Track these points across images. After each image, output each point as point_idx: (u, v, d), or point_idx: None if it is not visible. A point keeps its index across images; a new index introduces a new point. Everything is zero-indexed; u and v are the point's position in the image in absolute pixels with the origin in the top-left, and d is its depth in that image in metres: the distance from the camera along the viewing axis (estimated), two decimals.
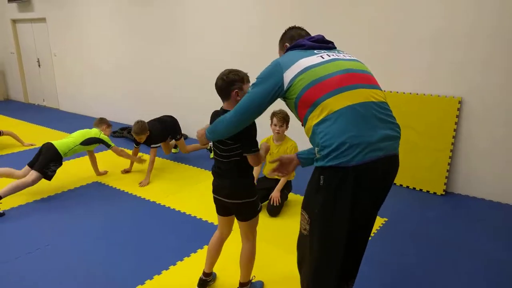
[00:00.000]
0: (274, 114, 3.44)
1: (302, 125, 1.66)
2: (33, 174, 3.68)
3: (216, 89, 1.97)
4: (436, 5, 3.62)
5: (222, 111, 1.96)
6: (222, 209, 2.16)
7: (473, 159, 3.75)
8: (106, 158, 4.82)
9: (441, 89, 3.76)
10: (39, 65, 8.40)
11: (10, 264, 2.67)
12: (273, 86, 1.62)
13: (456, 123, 3.71)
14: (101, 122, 4.27)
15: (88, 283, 2.45)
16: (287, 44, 1.85)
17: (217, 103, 1.97)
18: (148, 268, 2.61)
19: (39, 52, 8.26)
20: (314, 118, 1.53)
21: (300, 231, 1.75)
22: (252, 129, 1.92)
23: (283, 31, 1.94)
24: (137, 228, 3.18)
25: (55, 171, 3.81)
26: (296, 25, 1.96)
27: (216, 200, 2.14)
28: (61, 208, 3.55)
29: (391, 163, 1.58)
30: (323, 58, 1.62)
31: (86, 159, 4.46)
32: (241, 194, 2.03)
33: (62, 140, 3.95)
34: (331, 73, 1.55)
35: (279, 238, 3.00)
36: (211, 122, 2.00)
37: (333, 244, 1.60)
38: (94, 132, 4.10)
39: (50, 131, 6.29)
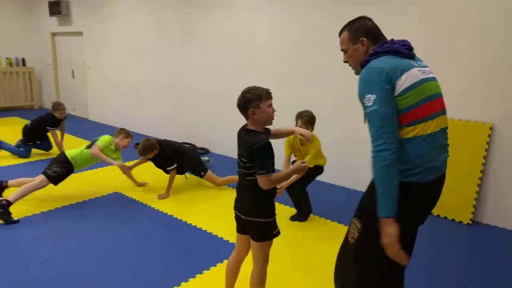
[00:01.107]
0: (299, 116, 3.33)
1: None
2: (40, 177, 3.73)
3: (237, 108, 1.99)
4: (470, 35, 3.54)
5: (245, 129, 2.00)
6: (240, 226, 2.14)
7: (503, 188, 3.56)
8: (145, 170, 4.88)
9: (471, 114, 3.63)
10: (73, 76, 8.75)
11: (28, 270, 2.71)
12: (389, 91, 1.54)
13: (486, 150, 3.56)
14: (120, 132, 4.17)
15: None
16: (365, 38, 1.69)
17: (240, 122, 1.99)
18: (159, 283, 2.59)
19: (74, 63, 8.61)
20: (408, 133, 1.57)
21: (346, 240, 1.73)
22: (264, 149, 1.89)
23: (351, 20, 1.78)
24: (151, 241, 3.18)
25: (56, 172, 3.76)
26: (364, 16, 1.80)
27: (235, 216, 2.12)
28: (80, 217, 3.61)
29: (442, 180, 1.73)
30: (423, 74, 1.61)
31: (107, 169, 4.53)
32: (256, 212, 2.00)
33: (74, 149, 4.00)
34: (432, 95, 1.62)
35: (295, 260, 2.92)
36: (238, 139, 2.03)
37: (383, 255, 1.59)
38: (102, 137, 4.05)
39: (75, 139, 6.47)
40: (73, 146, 4.42)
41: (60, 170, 3.80)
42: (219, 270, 2.73)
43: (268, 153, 1.90)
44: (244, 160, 1.95)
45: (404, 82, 1.54)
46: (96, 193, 4.17)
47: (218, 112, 5.78)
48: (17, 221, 3.42)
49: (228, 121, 5.60)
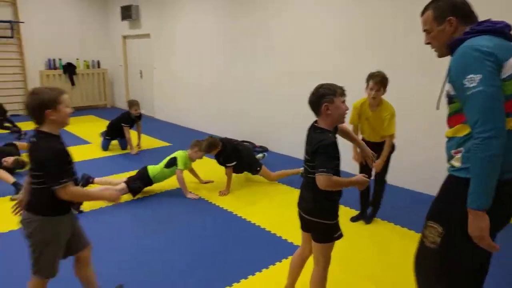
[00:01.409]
0: (370, 77, 3.03)
1: (449, 116, 1.57)
2: (121, 184, 4.04)
3: (308, 104, 1.95)
4: None
5: (313, 126, 1.97)
6: (302, 223, 2.12)
7: None
8: (209, 167, 5.05)
9: None
10: (141, 77, 9.27)
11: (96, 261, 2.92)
12: (496, 72, 1.39)
13: None
14: (195, 144, 4.25)
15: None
16: (453, 17, 1.55)
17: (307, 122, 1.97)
18: (219, 279, 2.64)
19: (142, 65, 9.12)
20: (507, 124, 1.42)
21: (424, 245, 1.64)
22: (329, 148, 1.85)
23: None
24: (211, 237, 3.27)
25: (138, 187, 4.05)
26: None
27: (298, 213, 2.11)
28: (145, 210, 3.82)
29: None
30: None
31: None
32: (317, 213, 1.97)
33: (156, 166, 4.21)
34: None
35: (355, 264, 2.83)
36: (307, 135, 2.00)
37: (473, 254, 1.53)
38: (177, 153, 4.22)
39: (143, 136, 6.83)
40: (142, 143, 4.65)
41: (141, 185, 4.09)
42: (277, 269, 2.73)
43: (332, 152, 1.86)
44: (308, 157, 1.95)
45: (511, 66, 1.39)
46: (161, 188, 4.38)
47: (278, 112, 5.79)
48: (81, 212, 3.65)
49: (289, 121, 5.59)
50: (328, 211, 1.97)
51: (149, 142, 6.49)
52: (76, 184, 1.96)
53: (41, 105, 1.83)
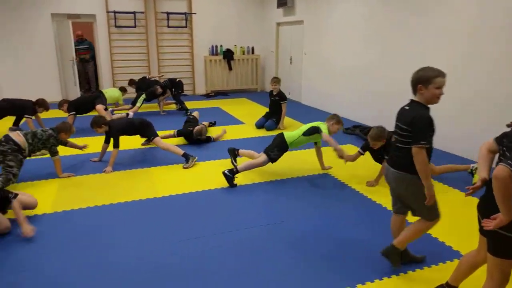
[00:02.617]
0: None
1: None
2: (263, 156, 4.30)
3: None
4: None
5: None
6: (480, 227, 1.91)
7: None
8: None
9: None
10: (290, 62, 9.60)
11: (244, 232, 3.22)
12: None
13: None
14: (332, 118, 4.36)
15: (295, 267, 2.70)
16: None
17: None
18: (366, 271, 2.63)
19: (292, 51, 9.43)
20: None
21: None
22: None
23: None
24: (354, 227, 3.26)
25: (277, 155, 4.28)
26: None
27: (477, 217, 1.94)
28: (289, 191, 4.01)
29: None
30: None
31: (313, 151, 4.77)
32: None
33: (291, 132, 4.43)
34: None
35: None
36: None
37: None
38: (317, 123, 4.33)
39: (289, 120, 7.13)
40: (289, 127, 4.85)
41: (279, 152, 4.32)
42: (432, 272, 2.57)
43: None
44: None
45: None
46: (307, 172, 4.53)
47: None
48: (235, 186, 4.08)
49: (455, 115, 5.08)
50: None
51: (294, 125, 6.74)
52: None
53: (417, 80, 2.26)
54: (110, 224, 3.29)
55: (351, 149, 5.30)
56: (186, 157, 4.75)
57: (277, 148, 4.31)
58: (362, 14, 6.72)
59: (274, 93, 6.56)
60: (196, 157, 4.82)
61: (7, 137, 4.05)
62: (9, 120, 6.09)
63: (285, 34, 9.78)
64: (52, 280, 2.53)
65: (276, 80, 6.56)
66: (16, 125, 6.23)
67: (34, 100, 6.08)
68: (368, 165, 4.49)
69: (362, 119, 6.90)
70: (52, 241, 3.01)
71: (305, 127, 4.39)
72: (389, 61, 6.19)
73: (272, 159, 4.29)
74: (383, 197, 3.80)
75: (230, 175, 4.11)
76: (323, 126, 4.27)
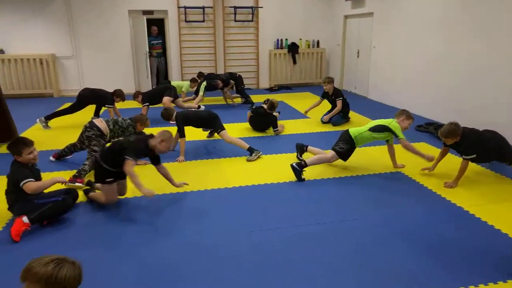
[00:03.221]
0: None
1: None
2: (331, 152, 4.26)
3: None
4: None
5: None
6: None
7: None
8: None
9: None
10: (357, 56, 9.31)
11: (316, 227, 3.19)
12: None
13: None
14: (401, 113, 4.28)
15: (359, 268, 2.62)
16: None
17: None
18: (447, 279, 2.49)
19: (360, 44, 9.12)
20: None
21: None
22: None
23: None
24: (431, 228, 3.09)
25: (342, 149, 4.21)
26: None
27: None
28: (360, 188, 3.91)
29: None
30: None
31: (384, 148, 4.60)
32: None
33: (358, 127, 4.31)
34: None
35: None
36: None
37: None
38: (387, 120, 4.18)
39: (355, 115, 6.93)
40: (355, 122, 4.71)
41: (346, 147, 4.24)
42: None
43: None
44: None
45: None
46: (377, 169, 4.38)
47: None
48: (303, 180, 4.06)
49: None
50: None
51: (360, 120, 6.53)
52: None
53: None
54: (185, 213, 3.44)
55: (425, 147, 5.04)
56: (251, 151, 4.82)
57: (342, 142, 4.26)
58: (438, 6, 6.30)
59: (330, 93, 6.39)
60: (261, 151, 4.87)
61: (91, 123, 4.40)
62: (90, 111, 6.58)
63: (352, 27, 9.49)
64: (152, 255, 2.72)
65: (326, 80, 6.35)
66: (96, 115, 6.72)
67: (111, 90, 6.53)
68: (443, 164, 4.22)
69: (435, 116, 6.50)
70: (138, 223, 3.23)
71: (373, 123, 4.27)
72: (465, 55, 5.75)
73: (339, 152, 4.23)
74: (462, 198, 3.57)
75: (298, 169, 4.09)
76: (395, 125, 4.12)
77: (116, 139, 4.34)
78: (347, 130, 4.33)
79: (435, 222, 3.19)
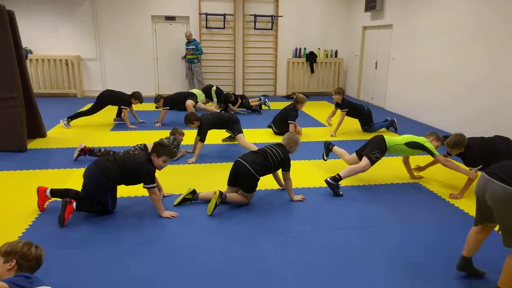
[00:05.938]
0: None
1: None
2: (364, 160, 4.15)
3: None
4: None
5: None
6: None
7: None
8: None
9: None
10: (375, 67, 9.36)
11: (342, 232, 3.26)
12: None
13: None
14: (430, 134, 4.30)
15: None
16: None
17: None
18: None
19: (379, 55, 9.19)
20: None
21: None
22: None
23: None
24: (443, 242, 3.11)
25: (378, 158, 4.12)
26: None
27: None
28: (376, 199, 3.95)
29: None
30: None
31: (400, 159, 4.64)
32: None
33: (393, 137, 4.30)
34: None
35: None
36: None
37: None
38: (421, 139, 4.18)
39: None
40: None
41: (380, 156, 4.16)
42: None
43: None
44: None
45: None
46: (393, 179, 4.44)
47: None
48: (341, 195, 3.98)
49: None
50: None
51: (377, 132, 6.59)
52: None
53: None
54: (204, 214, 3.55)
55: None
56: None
57: (378, 151, 4.14)
58: (458, 19, 6.34)
59: (339, 103, 6.47)
60: None
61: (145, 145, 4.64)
62: (113, 112, 6.77)
63: (371, 38, 9.57)
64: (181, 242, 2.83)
65: (335, 91, 6.40)
66: (118, 116, 6.92)
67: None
68: (463, 176, 4.24)
69: (452, 129, 6.51)
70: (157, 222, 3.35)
71: (409, 137, 4.22)
72: (485, 68, 5.76)
73: (373, 162, 4.12)
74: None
75: (334, 184, 3.99)
76: (430, 145, 4.11)
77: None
78: (382, 137, 4.23)
79: (453, 233, 3.23)
